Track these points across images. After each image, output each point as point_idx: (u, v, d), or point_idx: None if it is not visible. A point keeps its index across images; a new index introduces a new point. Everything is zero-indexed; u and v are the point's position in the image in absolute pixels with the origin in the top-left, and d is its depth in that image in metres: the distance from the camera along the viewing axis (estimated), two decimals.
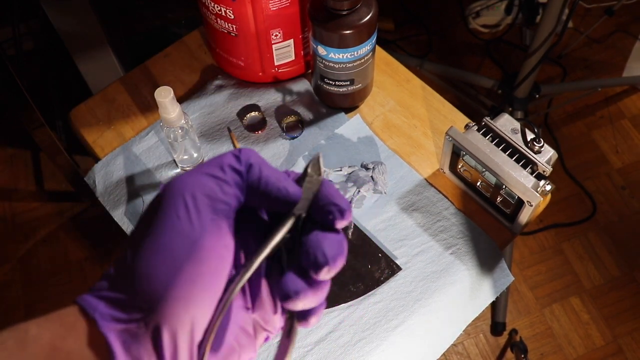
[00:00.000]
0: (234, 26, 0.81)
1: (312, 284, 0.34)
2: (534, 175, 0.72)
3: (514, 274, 1.43)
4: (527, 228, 1.61)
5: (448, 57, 1.95)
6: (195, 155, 0.81)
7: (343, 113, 0.88)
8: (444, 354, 0.78)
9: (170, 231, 0.31)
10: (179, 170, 0.84)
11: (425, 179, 0.82)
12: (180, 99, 0.91)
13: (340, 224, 0.34)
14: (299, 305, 0.33)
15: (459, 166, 0.79)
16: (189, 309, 0.31)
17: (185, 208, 0.32)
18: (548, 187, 0.71)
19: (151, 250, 0.31)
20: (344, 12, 0.74)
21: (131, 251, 0.32)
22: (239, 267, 0.34)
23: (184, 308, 0.30)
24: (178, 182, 0.33)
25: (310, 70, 0.90)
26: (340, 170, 0.81)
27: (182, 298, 0.30)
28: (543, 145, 0.74)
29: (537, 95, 1.64)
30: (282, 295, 0.33)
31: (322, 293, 0.34)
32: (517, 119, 0.77)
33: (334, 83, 0.82)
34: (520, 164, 0.73)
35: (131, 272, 0.31)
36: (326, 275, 0.33)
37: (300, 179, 0.37)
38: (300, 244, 0.34)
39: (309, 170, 0.37)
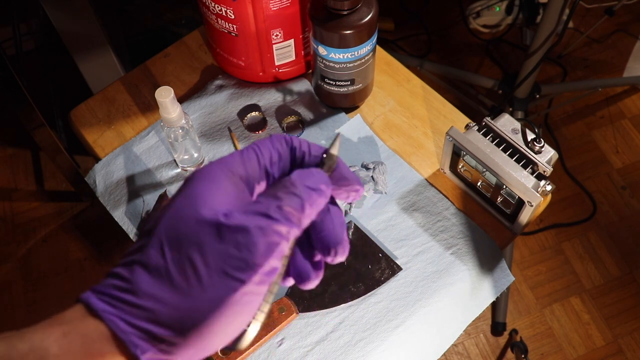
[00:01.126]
0: (235, 26, 0.81)
1: (320, 266, 0.37)
2: (534, 175, 0.72)
3: (514, 274, 1.43)
4: (528, 228, 1.61)
5: (448, 57, 1.95)
6: (195, 155, 0.81)
7: (343, 113, 0.88)
8: (444, 354, 0.78)
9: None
10: (179, 170, 0.84)
11: (426, 179, 0.82)
12: (181, 99, 0.91)
13: (351, 199, 0.38)
14: (311, 286, 0.37)
15: (460, 166, 0.79)
16: (214, 346, 0.32)
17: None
18: (548, 187, 0.71)
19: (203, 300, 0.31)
20: (345, 12, 0.74)
21: (171, 288, 0.31)
22: None
23: (212, 344, 0.32)
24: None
25: (310, 70, 0.90)
26: None
27: (213, 341, 0.31)
28: (543, 145, 0.73)
29: (538, 95, 1.64)
30: (299, 278, 0.36)
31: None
32: (518, 119, 0.76)
33: (334, 83, 0.82)
34: (520, 164, 0.73)
35: (177, 311, 0.31)
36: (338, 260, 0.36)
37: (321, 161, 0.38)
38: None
39: (330, 150, 0.38)
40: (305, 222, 0.34)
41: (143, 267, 0.31)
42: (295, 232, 0.33)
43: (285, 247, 0.32)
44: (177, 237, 0.31)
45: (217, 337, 0.31)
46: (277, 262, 0.32)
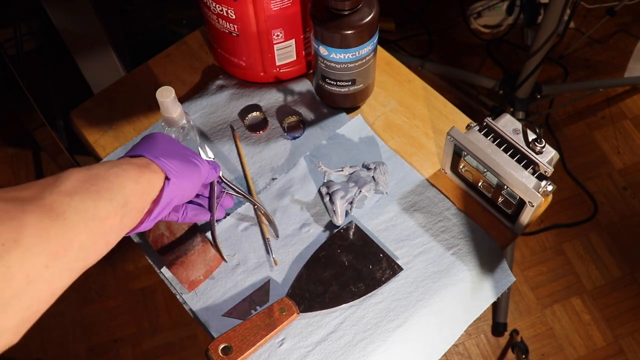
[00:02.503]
0: (236, 26, 0.81)
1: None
2: (535, 175, 0.72)
3: (515, 275, 1.43)
4: (528, 228, 1.61)
5: (449, 57, 1.95)
6: None
7: (344, 113, 0.88)
8: (445, 354, 0.78)
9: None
10: None
11: (427, 179, 0.82)
12: (182, 99, 0.91)
13: None
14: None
15: (461, 166, 0.79)
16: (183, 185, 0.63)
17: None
18: (549, 188, 0.71)
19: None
20: (346, 12, 0.74)
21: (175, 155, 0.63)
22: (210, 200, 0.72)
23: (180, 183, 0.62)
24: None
25: (311, 71, 0.90)
26: (342, 170, 0.81)
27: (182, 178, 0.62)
28: (544, 145, 0.73)
29: (539, 96, 1.64)
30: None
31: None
32: (519, 119, 0.76)
33: (335, 83, 0.82)
34: (521, 164, 0.73)
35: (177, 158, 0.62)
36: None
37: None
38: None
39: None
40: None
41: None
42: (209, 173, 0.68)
43: (206, 171, 0.67)
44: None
45: (191, 183, 0.63)
46: (206, 171, 0.66)
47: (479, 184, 0.79)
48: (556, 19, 1.33)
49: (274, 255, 0.76)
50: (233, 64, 0.89)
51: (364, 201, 0.80)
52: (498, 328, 1.49)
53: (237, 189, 0.73)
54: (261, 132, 0.87)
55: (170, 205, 0.62)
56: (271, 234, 0.78)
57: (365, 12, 0.75)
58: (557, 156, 0.75)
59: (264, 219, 0.79)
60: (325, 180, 0.81)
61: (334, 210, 0.77)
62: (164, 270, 0.76)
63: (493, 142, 0.75)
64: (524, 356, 1.43)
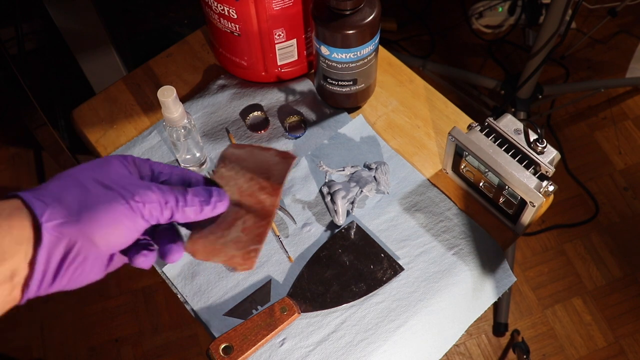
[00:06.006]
0: (237, 26, 0.81)
1: None
2: (536, 176, 0.72)
3: (516, 275, 1.43)
4: (530, 229, 1.61)
5: (451, 57, 1.95)
6: (197, 154, 0.81)
7: (346, 113, 0.88)
8: (446, 354, 0.78)
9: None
10: None
11: (428, 179, 0.82)
12: (183, 99, 0.91)
13: None
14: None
15: (462, 166, 0.79)
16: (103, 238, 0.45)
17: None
18: (551, 188, 0.71)
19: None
20: (347, 12, 0.74)
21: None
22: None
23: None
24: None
25: (313, 70, 0.90)
26: (343, 170, 0.81)
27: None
28: (546, 145, 0.73)
29: (540, 96, 1.64)
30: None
31: None
32: (520, 120, 0.76)
33: (337, 83, 0.82)
34: (523, 164, 0.73)
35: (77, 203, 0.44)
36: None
37: None
38: None
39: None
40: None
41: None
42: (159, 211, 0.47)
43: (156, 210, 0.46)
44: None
45: (103, 229, 0.43)
46: (148, 213, 0.46)
47: (480, 184, 0.79)
48: (558, 20, 1.33)
49: (288, 254, 0.77)
50: (234, 64, 0.89)
51: (365, 201, 0.80)
52: (499, 328, 1.49)
53: None
54: (262, 131, 0.87)
55: (73, 260, 0.43)
56: (281, 230, 0.78)
57: (367, 12, 0.75)
58: (559, 156, 0.75)
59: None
60: (327, 180, 0.81)
61: (335, 210, 0.77)
62: (165, 269, 0.76)
63: (494, 142, 0.75)
64: (525, 356, 1.43)
